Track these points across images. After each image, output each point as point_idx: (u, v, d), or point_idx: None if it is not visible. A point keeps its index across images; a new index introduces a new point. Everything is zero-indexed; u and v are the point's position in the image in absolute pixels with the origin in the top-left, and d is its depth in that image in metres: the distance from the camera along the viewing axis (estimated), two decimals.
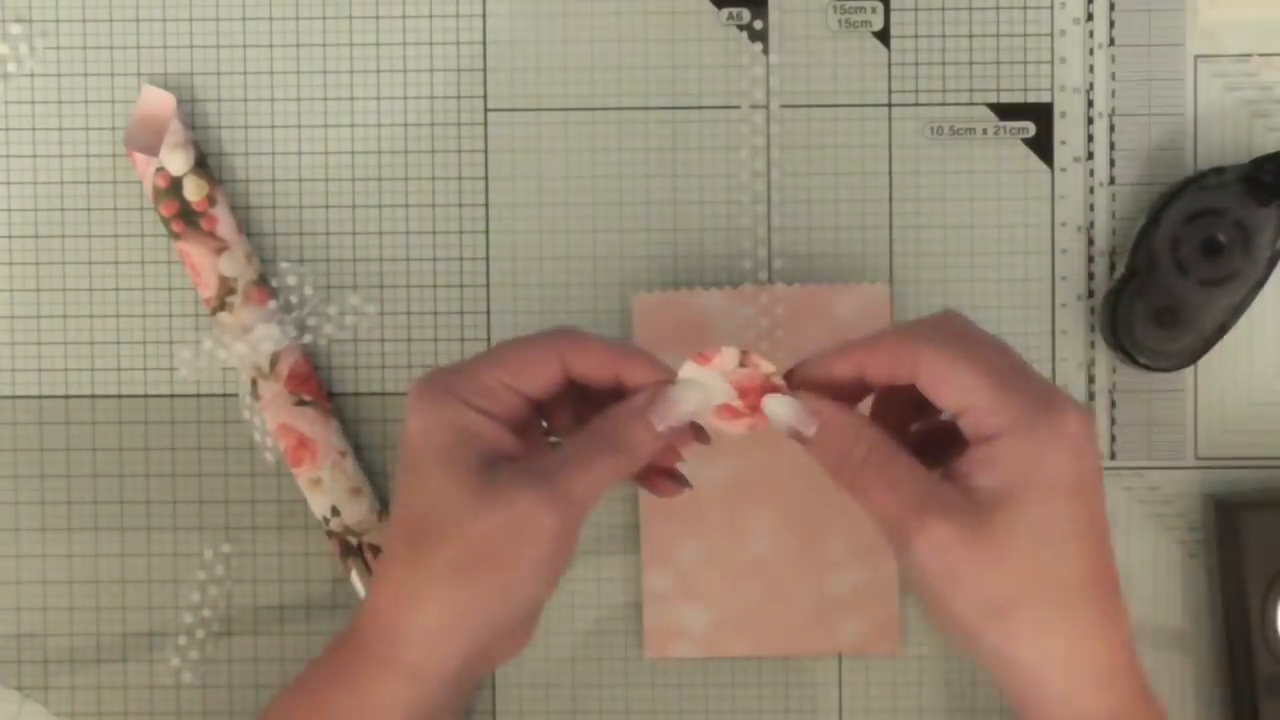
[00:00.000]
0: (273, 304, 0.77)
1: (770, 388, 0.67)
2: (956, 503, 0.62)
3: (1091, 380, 0.77)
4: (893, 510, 0.63)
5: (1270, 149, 0.76)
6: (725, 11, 0.78)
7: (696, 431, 0.68)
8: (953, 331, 0.65)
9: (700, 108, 0.77)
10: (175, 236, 0.77)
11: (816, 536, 0.76)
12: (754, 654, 0.77)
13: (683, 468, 0.70)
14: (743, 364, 0.67)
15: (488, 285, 0.78)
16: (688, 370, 0.67)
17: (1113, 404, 0.77)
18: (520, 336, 0.67)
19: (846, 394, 0.66)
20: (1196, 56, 0.77)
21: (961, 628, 0.63)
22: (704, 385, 0.66)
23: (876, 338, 0.65)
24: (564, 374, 0.66)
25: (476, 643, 0.65)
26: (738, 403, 0.67)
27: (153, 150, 0.76)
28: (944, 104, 0.77)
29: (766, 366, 0.67)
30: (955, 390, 0.63)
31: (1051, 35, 0.77)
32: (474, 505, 0.63)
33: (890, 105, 0.77)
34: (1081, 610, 0.62)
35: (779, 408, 0.66)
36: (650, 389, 0.66)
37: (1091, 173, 0.77)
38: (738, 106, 0.78)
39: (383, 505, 0.77)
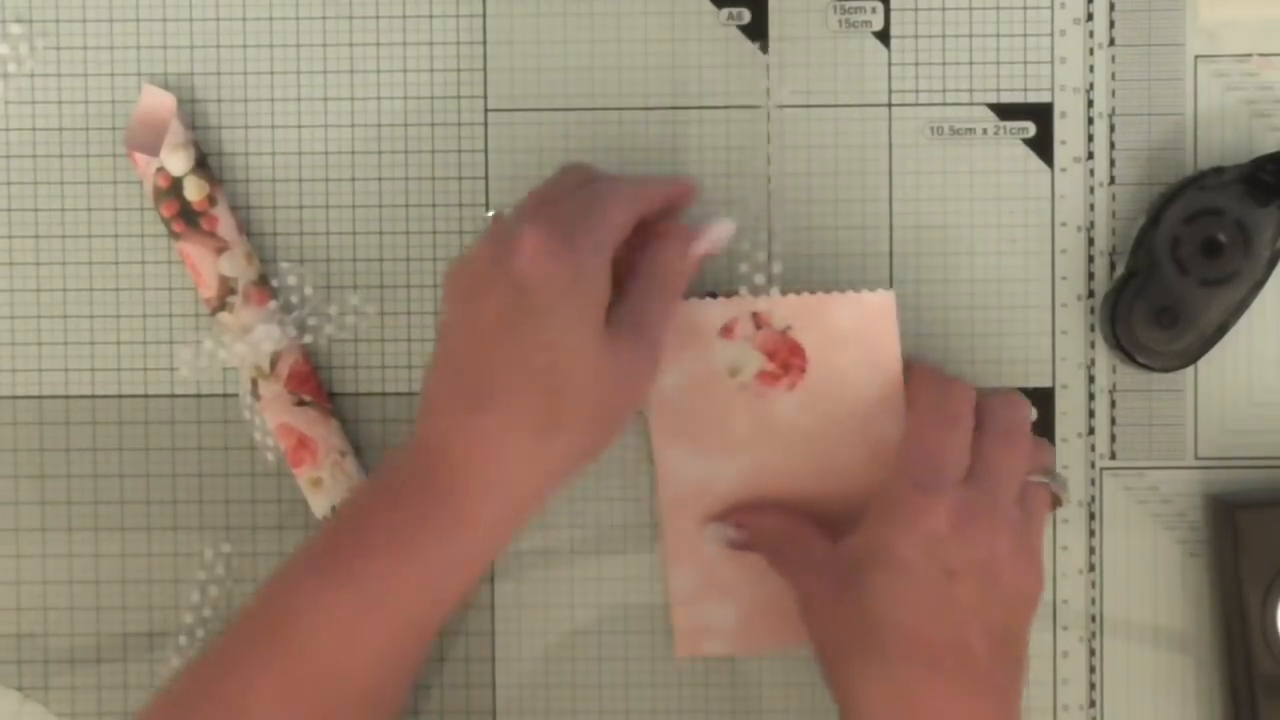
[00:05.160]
0: (273, 304, 0.77)
1: (790, 345, 0.74)
2: (829, 562, 0.71)
3: (1091, 380, 0.77)
4: (790, 575, 0.73)
5: (1270, 149, 0.76)
6: (725, 11, 0.78)
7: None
8: (940, 401, 0.72)
9: (700, 108, 0.77)
10: (176, 236, 0.77)
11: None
12: (785, 648, 0.77)
13: (698, 464, 0.76)
14: (758, 326, 0.74)
15: None
16: (720, 348, 0.75)
17: (1113, 404, 0.77)
18: (615, 177, 0.72)
19: None
20: (1196, 56, 0.77)
21: (823, 674, 0.71)
22: (732, 224, 0.74)
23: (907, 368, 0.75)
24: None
25: (564, 483, 0.70)
26: (770, 365, 0.74)
27: (153, 150, 0.76)
28: (944, 104, 0.77)
29: (779, 322, 0.74)
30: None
31: (1051, 35, 0.77)
32: (601, 361, 0.68)
33: (890, 105, 0.77)
34: (908, 676, 0.68)
35: (717, 532, 0.76)
36: (677, 229, 0.73)
37: (1091, 173, 0.77)
38: (737, 106, 0.78)
39: None
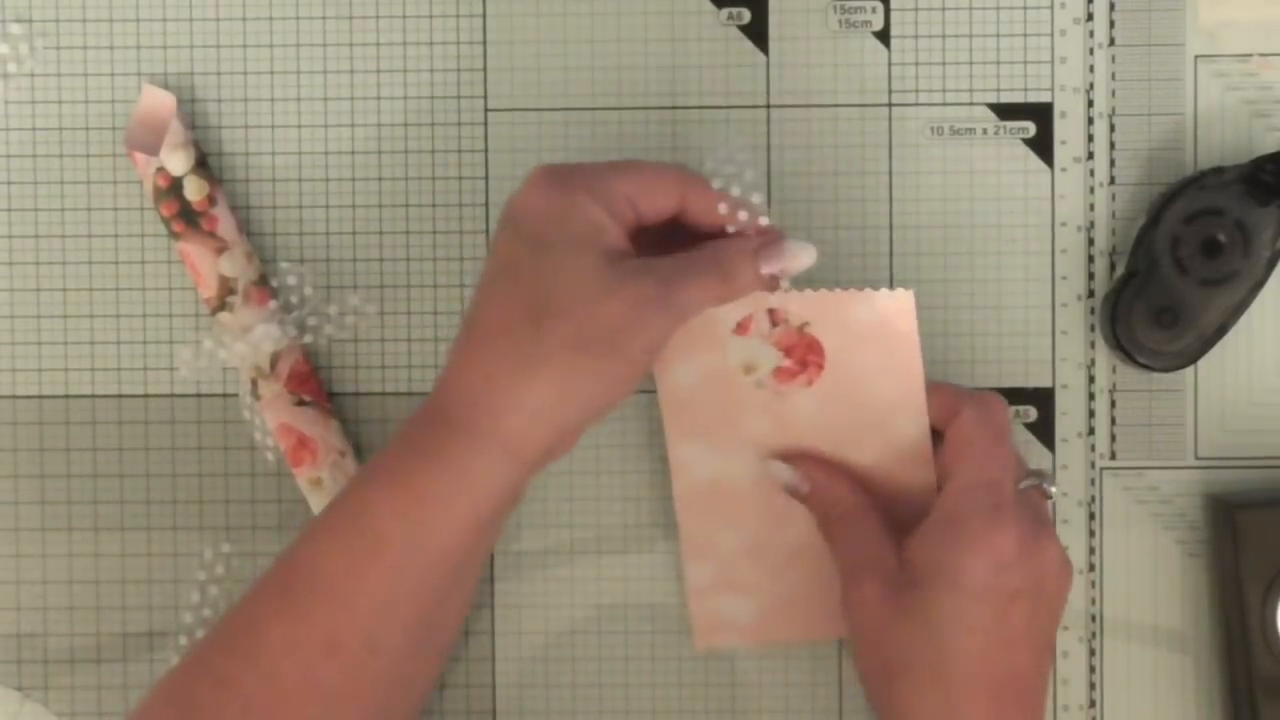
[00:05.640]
0: (273, 304, 0.77)
1: (808, 341, 0.73)
2: (890, 570, 0.70)
3: (1091, 380, 0.77)
4: (843, 563, 0.72)
5: (1270, 149, 0.76)
6: (725, 11, 0.78)
7: None
8: (987, 416, 0.72)
9: (700, 108, 0.77)
10: (175, 236, 0.77)
11: None
12: (803, 639, 0.77)
13: (712, 460, 0.75)
14: (774, 322, 0.73)
15: None
16: (734, 345, 0.73)
17: (1113, 404, 0.77)
18: (646, 160, 0.71)
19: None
20: (1196, 56, 0.77)
21: (863, 679, 0.71)
22: (809, 250, 0.71)
23: (932, 387, 0.73)
24: (678, 207, 0.70)
25: (568, 427, 0.68)
26: (787, 362, 0.73)
27: (153, 150, 0.76)
28: (944, 104, 0.77)
29: (795, 318, 0.72)
30: (947, 458, 0.72)
31: (1051, 35, 0.77)
32: (596, 289, 0.66)
33: (890, 105, 0.77)
34: (962, 698, 0.68)
35: (780, 470, 0.74)
36: (763, 236, 0.71)
37: (1091, 173, 0.77)
38: (737, 106, 0.78)
39: None
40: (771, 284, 0.71)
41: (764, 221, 0.70)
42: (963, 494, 0.70)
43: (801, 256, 0.70)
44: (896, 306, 0.72)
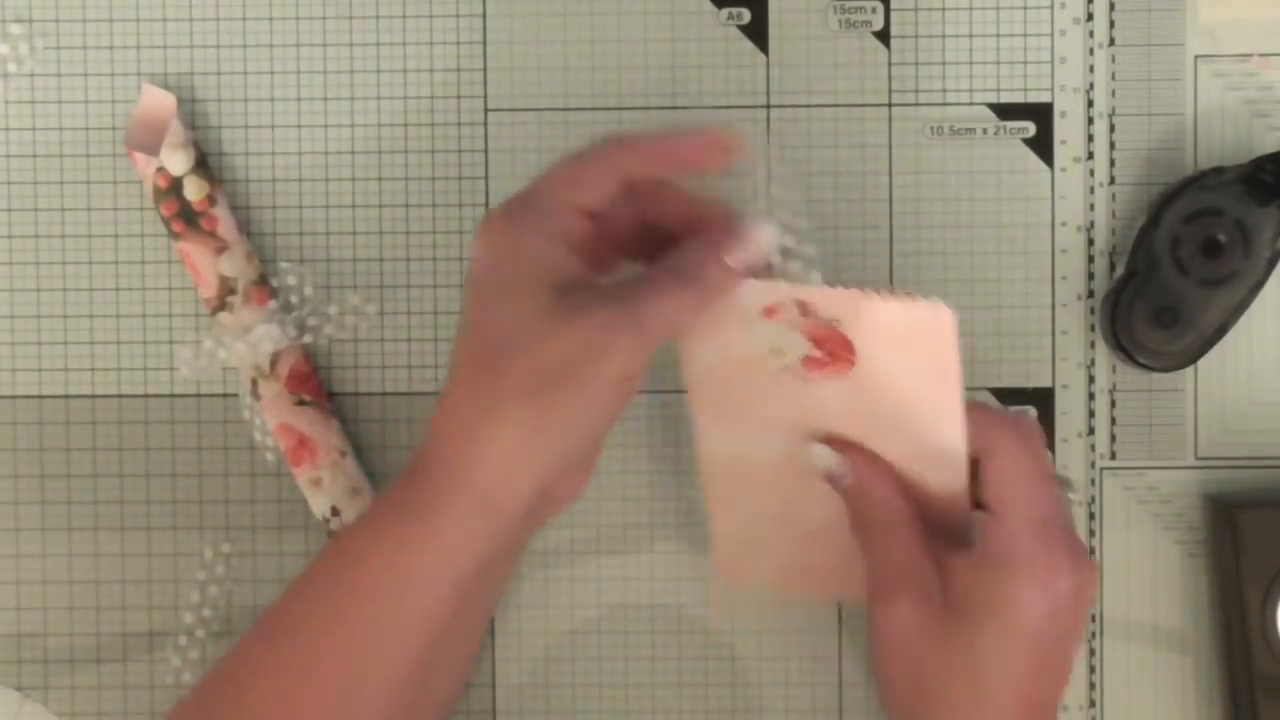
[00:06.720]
0: (273, 304, 0.77)
1: (838, 337, 0.68)
2: (932, 592, 0.68)
3: (1091, 380, 0.77)
4: (878, 573, 0.69)
5: (1270, 149, 0.76)
6: (725, 11, 0.78)
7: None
8: (1029, 448, 0.68)
9: (700, 108, 0.78)
10: (175, 236, 0.77)
11: None
12: (828, 597, 0.76)
13: (735, 437, 0.71)
14: (804, 313, 0.68)
15: None
16: (761, 329, 0.68)
17: (1113, 404, 0.77)
18: (571, 152, 0.68)
19: None
20: (1196, 56, 0.77)
21: (888, 695, 0.69)
22: (768, 227, 0.68)
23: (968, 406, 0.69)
24: (621, 181, 0.67)
25: (546, 470, 0.65)
26: (817, 353, 0.68)
27: (153, 150, 0.76)
28: (944, 104, 0.77)
29: (824, 311, 0.67)
30: (991, 494, 0.68)
31: (1051, 35, 0.77)
32: (547, 326, 0.64)
33: (890, 105, 0.77)
34: None
35: (823, 455, 0.70)
36: (724, 226, 0.67)
37: (1091, 173, 0.77)
38: (737, 106, 0.78)
39: None
40: (763, 268, 0.68)
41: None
42: (1017, 535, 0.67)
43: (763, 233, 0.67)
44: (935, 325, 0.67)
